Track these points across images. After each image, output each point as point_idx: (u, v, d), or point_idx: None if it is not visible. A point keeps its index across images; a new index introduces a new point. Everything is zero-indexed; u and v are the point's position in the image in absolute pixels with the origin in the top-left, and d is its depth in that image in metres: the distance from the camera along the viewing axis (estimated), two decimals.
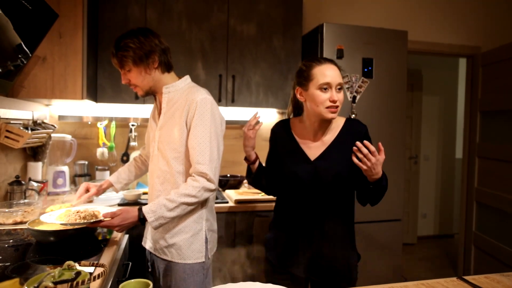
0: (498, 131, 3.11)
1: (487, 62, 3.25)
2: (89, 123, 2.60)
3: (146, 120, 2.65)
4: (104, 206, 1.56)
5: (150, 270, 1.63)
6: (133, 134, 2.62)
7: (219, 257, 2.16)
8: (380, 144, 1.23)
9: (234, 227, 2.19)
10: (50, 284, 0.77)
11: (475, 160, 3.35)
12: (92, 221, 1.34)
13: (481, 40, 3.39)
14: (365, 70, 2.46)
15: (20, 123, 1.91)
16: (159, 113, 1.54)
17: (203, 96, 1.42)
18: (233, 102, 2.50)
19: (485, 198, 3.21)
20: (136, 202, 2.12)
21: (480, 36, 3.39)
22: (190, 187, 1.37)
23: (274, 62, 2.56)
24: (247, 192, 2.44)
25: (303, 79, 1.39)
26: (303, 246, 1.44)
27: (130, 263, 1.64)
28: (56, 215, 1.43)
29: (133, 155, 2.64)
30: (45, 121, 2.31)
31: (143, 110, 2.67)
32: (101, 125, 2.54)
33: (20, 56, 1.55)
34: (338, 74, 1.36)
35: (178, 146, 1.44)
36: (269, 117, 2.93)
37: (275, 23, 2.54)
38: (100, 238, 1.49)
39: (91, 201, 2.05)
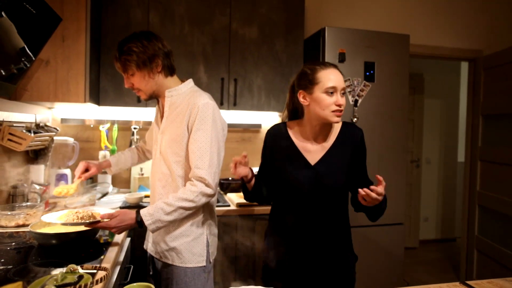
0: (500, 134, 3.11)
1: (489, 65, 3.24)
2: (92, 126, 2.61)
3: (148, 123, 2.66)
4: (106, 209, 1.57)
5: (151, 273, 1.63)
6: (135, 137, 2.63)
7: (220, 261, 2.15)
8: (378, 176, 1.24)
9: (236, 230, 2.19)
10: None
11: (477, 164, 3.35)
12: (89, 221, 1.35)
13: (483, 44, 3.39)
14: (367, 73, 2.46)
15: (23, 126, 1.92)
16: (162, 117, 1.54)
17: (205, 101, 1.42)
18: (235, 105, 2.50)
19: (488, 202, 3.20)
20: (138, 205, 2.12)
21: (482, 40, 3.39)
22: (188, 192, 1.36)
23: (276, 65, 2.56)
24: None
25: (308, 82, 1.38)
26: (304, 252, 1.44)
27: (132, 267, 1.64)
28: (57, 215, 1.43)
29: None
30: (47, 124, 2.31)
31: (145, 113, 2.67)
32: (103, 128, 2.55)
33: (23, 59, 1.56)
34: (342, 79, 1.38)
35: (180, 150, 1.44)
36: (271, 120, 2.93)
37: (277, 26, 2.55)
38: (102, 241, 1.49)
39: (93, 204, 2.05)
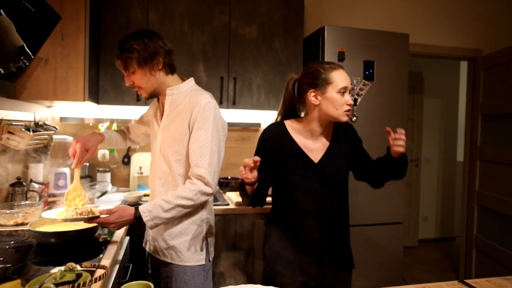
0: (500, 134, 3.11)
1: (488, 65, 3.25)
2: (91, 124, 2.60)
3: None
4: (105, 205, 1.56)
5: (150, 272, 1.63)
6: None
7: (219, 259, 2.16)
8: (387, 128, 1.36)
9: (235, 229, 2.19)
10: (52, 286, 0.77)
11: (477, 163, 3.35)
12: (88, 217, 1.35)
13: (483, 43, 3.39)
14: (367, 72, 2.46)
15: (22, 125, 1.92)
16: (162, 115, 1.54)
17: (207, 100, 1.42)
18: (234, 104, 2.50)
19: (487, 201, 3.20)
20: (137, 204, 2.12)
21: (482, 39, 3.39)
22: (187, 190, 1.36)
23: (275, 64, 2.56)
24: None
25: (321, 81, 1.39)
26: (311, 252, 1.44)
27: (131, 265, 1.64)
28: (56, 211, 1.44)
29: (134, 157, 2.65)
30: (46, 122, 2.31)
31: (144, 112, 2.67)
32: (102, 127, 2.55)
33: (22, 57, 1.56)
34: (349, 80, 1.43)
35: (180, 148, 1.44)
36: (270, 119, 2.93)
37: (276, 25, 2.55)
38: (101, 240, 1.49)
39: (92, 203, 2.05)
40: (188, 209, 1.40)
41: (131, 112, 2.66)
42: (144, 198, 2.22)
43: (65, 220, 1.35)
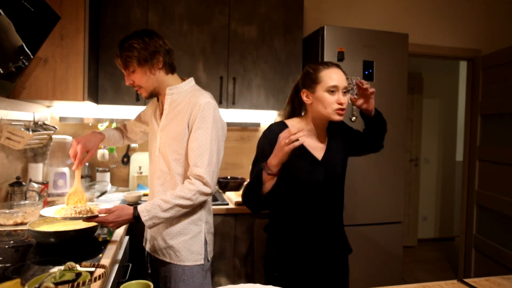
0: (499, 134, 3.11)
1: (487, 65, 3.25)
2: (90, 124, 2.60)
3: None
4: (104, 204, 1.56)
5: (149, 271, 1.63)
6: None
7: (219, 259, 2.16)
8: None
9: (234, 229, 2.19)
10: (51, 285, 0.77)
11: (476, 163, 3.35)
12: (86, 216, 1.35)
13: (482, 43, 3.40)
14: (366, 72, 2.46)
15: (21, 125, 1.92)
16: (161, 114, 1.54)
17: (207, 100, 1.42)
18: (234, 104, 2.50)
19: (486, 201, 3.20)
20: (137, 204, 2.11)
21: (481, 39, 3.40)
22: (185, 190, 1.36)
23: (275, 64, 2.56)
24: None
25: (310, 81, 1.42)
26: (318, 252, 1.46)
27: (130, 265, 1.64)
28: (54, 209, 1.44)
29: (134, 156, 2.65)
30: (46, 122, 2.31)
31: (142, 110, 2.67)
32: (102, 127, 2.55)
33: (21, 57, 1.56)
34: (344, 78, 1.41)
35: (179, 148, 1.44)
36: (269, 119, 2.93)
37: (276, 25, 2.55)
38: (100, 239, 1.49)
39: (91, 200, 2.05)
40: (187, 209, 1.40)
41: (131, 112, 2.66)
42: (143, 198, 2.22)
43: (64, 219, 1.35)
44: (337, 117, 1.40)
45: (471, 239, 3.38)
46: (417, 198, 4.59)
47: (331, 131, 1.54)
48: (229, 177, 2.75)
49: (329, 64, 1.42)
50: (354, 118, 2.43)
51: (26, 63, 1.60)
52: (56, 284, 0.79)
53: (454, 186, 4.80)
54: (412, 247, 4.53)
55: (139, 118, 1.82)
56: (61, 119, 2.54)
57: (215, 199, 2.29)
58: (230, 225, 2.19)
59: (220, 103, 2.46)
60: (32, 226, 1.41)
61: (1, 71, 1.45)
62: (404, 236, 3.54)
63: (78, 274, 0.86)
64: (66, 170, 2.35)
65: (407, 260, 4.04)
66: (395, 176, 2.53)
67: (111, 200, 2.20)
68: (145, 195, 2.27)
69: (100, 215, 1.36)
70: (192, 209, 1.45)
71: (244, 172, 2.89)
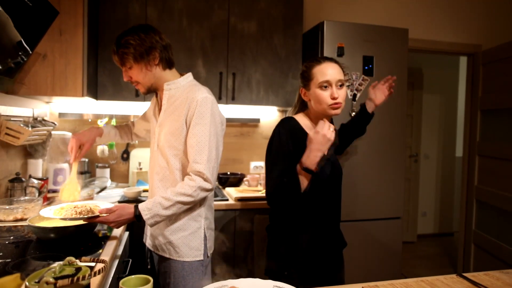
0: (499, 129, 3.11)
1: (487, 60, 3.24)
2: (90, 120, 2.60)
3: None
4: (104, 203, 1.56)
5: (149, 267, 1.63)
6: None
7: (219, 254, 2.16)
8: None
9: (234, 224, 2.20)
10: (51, 280, 0.77)
11: (475, 159, 3.35)
12: (87, 216, 1.35)
13: (482, 39, 3.39)
14: (366, 68, 2.45)
15: (20, 120, 1.91)
16: (160, 110, 1.54)
17: (204, 95, 1.41)
18: (233, 99, 2.50)
19: (485, 197, 3.21)
20: (136, 200, 2.13)
21: (481, 35, 3.39)
22: (186, 186, 1.36)
23: (274, 60, 2.55)
24: (247, 189, 2.45)
25: (305, 79, 1.43)
26: (319, 247, 1.46)
27: (130, 260, 1.65)
28: (54, 209, 1.44)
29: (133, 152, 2.65)
30: (45, 118, 2.31)
31: (143, 108, 2.67)
32: (101, 123, 2.55)
33: (20, 53, 1.55)
34: (338, 71, 1.39)
35: (177, 143, 1.44)
36: (269, 115, 2.93)
37: (275, 21, 2.54)
38: (100, 235, 1.50)
39: (91, 198, 2.05)
40: (188, 205, 1.40)
41: (130, 108, 2.66)
42: (143, 194, 2.22)
43: (64, 219, 1.35)
44: (332, 112, 1.38)
45: (470, 234, 3.39)
46: (416, 194, 4.60)
47: None
48: (229, 172, 2.75)
49: (321, 60, 1.40)
50: (353, 114, 2.42)
51: (25, 59, 1.60)
52: (56, 278, 0.79)
53: (453, 181, 4.80)
54: (411, 242, 4.54)
55: (144, 117, 1.82)
56: (61, 115, 2.54)
57: (215, 195, 2.29)
58: (230, 221, 2.19)
59: (219, 98, 2.46)
60: (32, 222, 1.41)
61: (0, 67, 1.44)
62: (403, 232, 3.55)
63: (78, 269, 0.86)
64: (65, 166, 2.35)
65: (406, 255, 4.05)
66: (395, 172, 2.53)
67: (111, 196, 2.20)
68: (145, 190, 2.27)
69: (101, 215, 1.36)
70: (192, 205, 1.45)
71: (244, 168, 2.89)
